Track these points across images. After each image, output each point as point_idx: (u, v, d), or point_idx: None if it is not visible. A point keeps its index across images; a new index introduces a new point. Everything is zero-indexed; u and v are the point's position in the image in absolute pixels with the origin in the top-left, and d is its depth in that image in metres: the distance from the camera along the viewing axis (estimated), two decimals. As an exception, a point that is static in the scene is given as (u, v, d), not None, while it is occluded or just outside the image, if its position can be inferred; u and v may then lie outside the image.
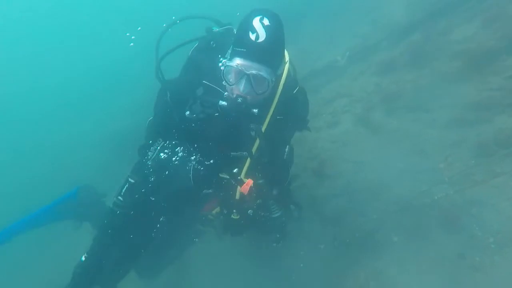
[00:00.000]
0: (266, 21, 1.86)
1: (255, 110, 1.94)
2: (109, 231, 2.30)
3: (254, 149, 2.12)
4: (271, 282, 3.15)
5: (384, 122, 4.08)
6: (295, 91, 2.20)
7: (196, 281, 3.53)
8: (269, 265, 3.25)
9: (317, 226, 3.32)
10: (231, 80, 1.93)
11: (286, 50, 2.15)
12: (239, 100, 1.90)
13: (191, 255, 3.42)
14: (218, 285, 3.36)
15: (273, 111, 2.10)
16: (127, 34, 4.98)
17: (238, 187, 2.09)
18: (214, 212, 2.45)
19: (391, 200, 3.17)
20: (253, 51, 1.85)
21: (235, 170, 2.12)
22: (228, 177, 2.16)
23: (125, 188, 2.31)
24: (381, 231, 3.03)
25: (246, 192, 2.04)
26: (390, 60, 4.85)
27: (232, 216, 2.19)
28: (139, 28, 4.75)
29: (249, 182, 2.04)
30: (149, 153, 2.22)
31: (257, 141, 2.12)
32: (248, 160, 2.12)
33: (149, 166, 2.20)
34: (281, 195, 2.32)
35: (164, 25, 2.32)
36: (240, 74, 1.89)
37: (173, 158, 2.18)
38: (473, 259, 2.48)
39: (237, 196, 2.14)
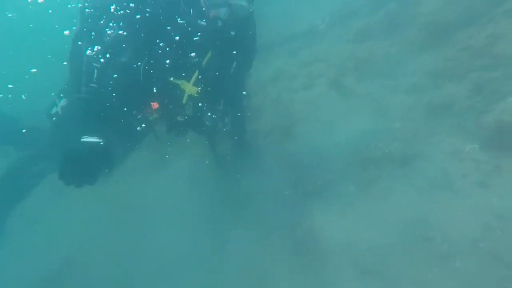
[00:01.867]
0: None
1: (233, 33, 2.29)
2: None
3: (204, 61, 2.46)
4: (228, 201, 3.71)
5: (354, 87, 4.56)
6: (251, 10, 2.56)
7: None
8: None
9: (282, 175, 3.85)
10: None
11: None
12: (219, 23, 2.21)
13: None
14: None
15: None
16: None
17: (186, 91, 2.41)
18: (155, 114, 2.69)
19: (352, 155, 3.75)
20: None
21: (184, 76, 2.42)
22: (177, 82, 2.47)
23: (96, 75, 2.37)
24: (340, 181, 3.64)
25: (195, 93, 2.39)
26: (366, 28, 5.22)
27: (178, 118, 2.54)
28: None
29: (193, 89, 2.40)
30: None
31: (209, 54, 2.46)
32: (197, 71, 2.46)
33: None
34: (227, 108, 2.76)
35: None
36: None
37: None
38: (414, 199, 3.15)
39: (184, 100, 2.47)
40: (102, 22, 2.35)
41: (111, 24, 2.34)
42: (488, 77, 3.59)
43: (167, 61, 2.38)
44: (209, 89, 2.48)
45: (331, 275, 2.81)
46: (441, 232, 2.70)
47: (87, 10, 2.45)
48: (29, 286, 3.85)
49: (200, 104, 2.56)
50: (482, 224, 2.58)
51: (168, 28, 2.34)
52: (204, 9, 2.26)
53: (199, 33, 2.31)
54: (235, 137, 3.73)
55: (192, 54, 2.39)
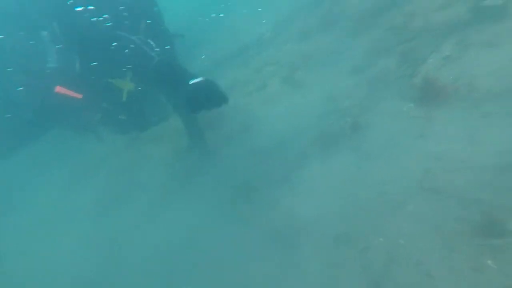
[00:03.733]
0: None
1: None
2: None
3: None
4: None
5: (304, 79, 4.99)
6: None
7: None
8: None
9: (248, 169, 4.10)
10: None
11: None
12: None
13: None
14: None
15: None
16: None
17: (125, 90, 2.57)
18: (96, 117, 2.84)
19: (311, 137, 4.06)
20: None
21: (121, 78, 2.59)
22: (114, 81, 2.60)
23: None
24: (303, 163, 3.91)
25: (132, 88, 2.58)
26: (307, 27, 5.80)
27: (120, 117, 2.71)
28: None
29: (130, 85, 2.59)
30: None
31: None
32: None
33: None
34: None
35: None
36: None
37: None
38: (369, 163, 3.45)
39: (124, 97, 2.60)
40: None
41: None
42: (409, 47, 4.11)
43: (98, 63, 2.49)
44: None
45: (307, 250, 2.97)
46: (393, 185, 2.99)
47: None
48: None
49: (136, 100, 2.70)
50: (424, 168, 2.89)
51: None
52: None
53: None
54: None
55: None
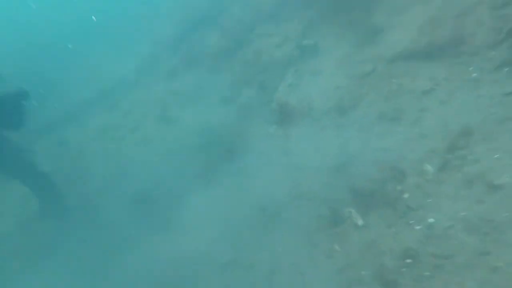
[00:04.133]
0: None
1: None
2: None
3: None
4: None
5: (178, 115, 5.08)
6: None
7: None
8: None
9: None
10: None
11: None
12: None
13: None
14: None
15: None
16: None
17: None
18: None
19: (190, 168, 4.13)
20: None
21: None
22: None
23: None
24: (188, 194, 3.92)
25: None
26: (172, 67, 5.99)
27: None
28: None
29: None
30: None
31: None
32: None
33: None
34: None
35: None
36: None
37: None
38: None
39: None
40: None
41: None
42: (263, 78, 4.86)
43: None
44: None
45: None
46: (269, 198, 3.35)
47: None
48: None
49: None
50: (291, 179, 3.38)
51: None
52: None
53: None
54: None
55: None
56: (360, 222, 2.46)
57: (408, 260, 2.06)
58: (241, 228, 3.11)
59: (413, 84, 3.31)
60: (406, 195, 2.51)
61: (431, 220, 2.23)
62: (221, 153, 4.12)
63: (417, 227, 2.22)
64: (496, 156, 2.32)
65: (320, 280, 2.23)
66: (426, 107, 3.02)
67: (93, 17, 7.80)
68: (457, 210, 2.19)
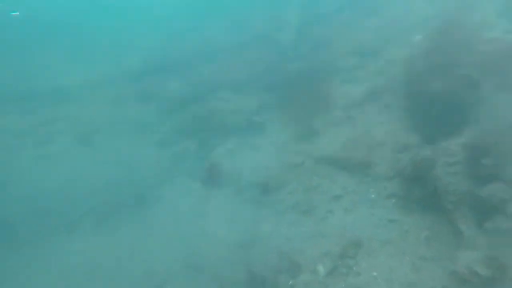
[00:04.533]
0: None
1: None
2: None
3: None
4: None
5: (104, 142, 4.71)
6: None
7: None
8: None
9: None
10: None
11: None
12: None
13: None
14: None
15: None
16: None
17: None
18: None
19: (90, 202, 3.60)
20: None
21: None
22: None
23: None
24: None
25: None
26: (122, 96, 5.81)
27: None
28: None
29: None
30: None
31: None
32: None
33: None
34: None
35: None
36: None
37: None
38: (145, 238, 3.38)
39: None
40: None
41: None
42: (207, 136, 4.94)
43: None
44: None
45: None
46: (160, 263, 3.02)
47: None
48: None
49: None
50: (192, 247, 3.18)
51: None
52: None
53: None
54: None
55: None
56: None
57: None
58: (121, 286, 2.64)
59: (329, 187, 3.67)
60: (294, 291, 2.50)
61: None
62: (130, 196, 3.77)
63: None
64: (374, 274, 2.54)
65: None
66: (332, 209, 3.31)
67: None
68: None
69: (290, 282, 2.55)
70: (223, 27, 7.23)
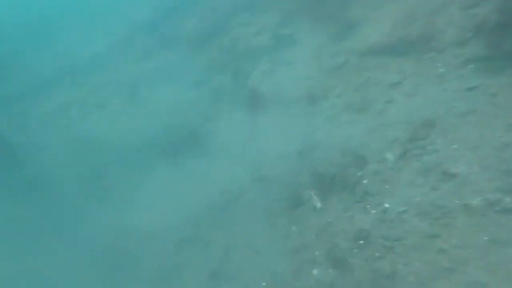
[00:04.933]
0: None
1: None
2: None
3: None
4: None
5: (148, 95, 4.82)
6: None
7: None
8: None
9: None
10: None
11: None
12: None
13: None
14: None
15: None
16: None
17: None
18: None
19: (156, 146, 3.92)
20: None
21: None
22: None
23: None
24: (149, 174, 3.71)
25: None
26: (147, 48, 5.70)
27: None
28: None
29: None
30: None
31: None
32: None
33: None
34: None
35: None
36: None
37: None
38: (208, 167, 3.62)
39: None
40: None
41: None
42: (237, 65, 4.71)
43: None
44: None
45: (150, 260, 2.71)
46: (231, 181, 3.21)
47: None
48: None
49: None
50: (254, 163, 3.26)
51: None
52: None
53: None
54: None
55: None
56: (318, 205, 2.38)
57: (361, 242, 2.00)
58: (199, 208, 2.96)
59: (382, 77, 3.30)
60: (365, 181, 2.46)
61: (386, 205, 2.19)
62: (187, 135, 3.93)
63: (373, 211, 2.17)
64: (454, 146, 2.33)
65: (274, 259, 2.13)
66: (392, 99, 3.01)
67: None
68: (412, 196, 2.16)
69: (359, 174, 2.50)
70: None
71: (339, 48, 3.94)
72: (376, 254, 1.89)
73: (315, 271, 1.98)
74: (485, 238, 1.71)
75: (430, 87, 2.90)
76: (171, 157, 3.73)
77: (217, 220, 2.74)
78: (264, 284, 2.06)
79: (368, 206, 2.24)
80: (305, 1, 4.55)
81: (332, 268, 1.96)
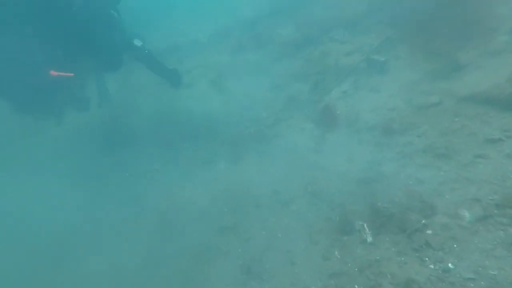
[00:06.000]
0: None
1: None
2: None
3: None
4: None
5: (229, 85, 5.11)
6: None
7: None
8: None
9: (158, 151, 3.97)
10: None
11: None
12: None
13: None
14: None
15: None
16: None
17: None
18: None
19: (221, 137, 4.12)
20: None
21: None
22: None
23: None
24: (213, 160, 3.92)
25: None
26: (239, 44, 6.06)
27: None
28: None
29: None
30: None
31: None
32: None
33: None
34: None
35: None
36: None
37: None
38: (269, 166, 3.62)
39: None
40: None
41: None
42: (320, 78, 4.67)
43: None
44: None
45: (193, 234, 2.87)
46: (284, 186, 3.19)
47: None
48: None
49: None
50: (311, 175, 3.18)
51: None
52: None
53: None
54: None
55: None
56: (369, 239, 2.20)
57: (409, 292, 1.79)
58: (246, 202, 3.00)
59: (480, 129, 2.91)
60: (429, 231, 2.19)
61: (450, 265, 1.91)
62: (253, 131, 4.05)
63: (431, 266, 1.91)
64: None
65: (309, 275, 2.04)
66: (485, 154, 2.62)
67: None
68: (486, 267, 1.85)
69: (423, 222, 2.24)
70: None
71: (435, 87, 3.60)
72: (424, 312, 1.67)
73: (348, 304, 1.84)
74: None
75: (541, 153, 2.45)
76: (234, 147, 3.89)
77: (261, 220, 2.75)
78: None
79: (427, 259, 1.98)
80: (411, 31, 4.27)
81: (367, 308, 1.79)
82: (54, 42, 3.02)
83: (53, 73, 3.05)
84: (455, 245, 2.02)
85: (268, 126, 4.16)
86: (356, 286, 1.90)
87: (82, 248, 3.14)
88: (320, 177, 3.10)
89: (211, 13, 7.32)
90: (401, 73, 4.15)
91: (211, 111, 4.55)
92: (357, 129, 3.71)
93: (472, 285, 1.72)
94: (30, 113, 3.32)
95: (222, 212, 3.04)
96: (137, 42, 3.77)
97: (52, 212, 3.52)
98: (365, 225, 2.33)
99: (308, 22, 5.80)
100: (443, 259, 1.93)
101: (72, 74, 3.17)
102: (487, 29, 3.54)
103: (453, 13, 3.98)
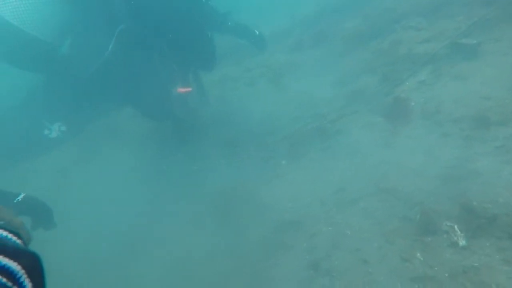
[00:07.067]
0: None
1: None
2: None
3: None
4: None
5: (290, 83, 5.04)
6: None
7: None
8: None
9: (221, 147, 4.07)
10: None
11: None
12: None
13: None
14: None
15: None
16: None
17: None
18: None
19: (281, 134, 4.05)
20: None
21: None
22: None
23: None
24: (274, 157, 3.87)
25: None
26: (299, 42, 5.96)
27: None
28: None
29: None
30: None
31: None
32: None
33: None
34: None
35: None
36: None
37: None
38: (333, 164, 3.42)
39: None
40: None
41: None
42: (391, 69, 4.23)
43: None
44: None
45: (257, 228, 2.85)
46: (352, 183, 2.95)
47: None
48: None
49: None
50: (382, 172, 2.87)
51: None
52: None
53: None
54: None
55: None
56: (462, 242, 1.85)
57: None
58: (313, 199, 2.87)
59: None
60: (549, 240, 1.74)
61: None
62: (316, 128, 3.88)
63: (555, 282, 1.50)
64: None
65: (383, 276, 1.80)
66: None
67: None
68: None
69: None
70: None
71: (546, 69, 2.93)
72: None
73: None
74: None
75: None
76: (294, 143, 3.79)
77: (327, 216, 2.58)
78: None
79: (548, 273, 1.57)
80: None
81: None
82: (171, 58, 3.14)
83: (180, 90, 3.28)
84: None
85: (331, 122, 3.95)
86: (447, 295, 1.60)
87: (151, 240, 3.29)
88: (393, 174, 2.77)
89: (270, 14, 7.39)
90: (499, 57, 3.49)
91: (271, 109, 4.54)
92: (437, 122, 3.23)
93: None
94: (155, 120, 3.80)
95: (285, 207, 2.96)
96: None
97: (125, 205, 3.75)
98: (455, 226, 1.97)
99: (377, 13, 5.38)
100: None
101: (191, 89, 3.40)
102: None
103: None
